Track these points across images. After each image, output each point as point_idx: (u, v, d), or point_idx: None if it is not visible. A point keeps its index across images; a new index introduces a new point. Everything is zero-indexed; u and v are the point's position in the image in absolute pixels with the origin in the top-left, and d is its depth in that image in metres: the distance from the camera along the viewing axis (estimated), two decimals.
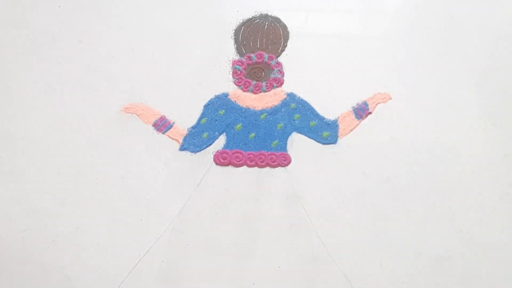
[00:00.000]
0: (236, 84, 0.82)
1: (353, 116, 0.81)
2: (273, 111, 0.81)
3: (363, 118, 0.81)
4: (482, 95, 0.82)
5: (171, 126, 0.80)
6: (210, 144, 0.79)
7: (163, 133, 0.79)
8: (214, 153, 0.78)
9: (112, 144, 0.79)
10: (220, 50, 0.84)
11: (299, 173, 0.77)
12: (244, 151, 0.79)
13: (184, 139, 0.79)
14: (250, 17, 0.85)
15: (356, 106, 0.81)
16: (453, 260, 0.73)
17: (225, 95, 0.82)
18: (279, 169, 0.79)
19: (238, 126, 0.80)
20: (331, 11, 0.88)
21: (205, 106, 0.81)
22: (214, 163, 0.78)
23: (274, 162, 0.78)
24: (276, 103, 0.81)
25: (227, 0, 0.87)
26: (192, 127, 0.80)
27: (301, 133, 0.80)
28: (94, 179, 0.76)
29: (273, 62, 0.83)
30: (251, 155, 0.78)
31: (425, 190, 0.76)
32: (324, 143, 0.79)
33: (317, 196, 0.77)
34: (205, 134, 0.79)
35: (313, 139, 0.79)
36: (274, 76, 0.82)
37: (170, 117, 0.80)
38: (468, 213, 0.75)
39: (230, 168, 0.78)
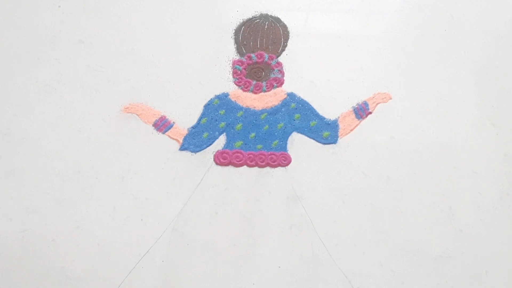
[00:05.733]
0: (236, 84, 0.82)
1: (353, 116, 0.81)
2: (273, 111, 0.81)
3: (363, 118, 0.81)
4: (482, 95, 0.82)
5: (171, 126, 0.80)
6: (210, 144, 0.79)
7: (163, 133, 0.79)
8: (214, 153, 0.78)
9: (112, 144, 0.79)
10: (220, 50, 0.84)
11: (299, 173, 0.77)
12: (244, 151, 0.79)
13: (184, 139, 0.79)
14: (250, 17, 0.85)
15: (356, 106, 0.81)
16: (453, 260, 0.73)
17: (225, 95, 0.82)
18: (279, 169, 0.78)
19: (238, 126, 0.80)
20: (331, 11, 0.88)
21: (205, 106, 0.81)
22: (214, 163, 0.78)
23: (274, 162, 0.78)
24: (276, 103, 0.81)
25: (227, 0, 0.87)
26: (192, 127, 0.80)
27: (301, 133, 0.80)
28: (94, 179, 0.76)
29: (273, 62, 0.83)
30: (251, 155, 0.78)
31: (425, 190, 0.76)
32: (324, 143, 0.79)
33: (317, 196, 0.77)
34: (205, 134, 0.79)
35: (313, 139, 0.79)
36: (274, 76, 0.82)
37: (170, 117, 0.80)
38: (468, 213, 0.75)
39: (230, 168, 0.78)
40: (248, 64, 0.83)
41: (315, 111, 0.81)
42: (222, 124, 0.80)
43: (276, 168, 0.78)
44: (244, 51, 0.84)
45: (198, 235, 0.75)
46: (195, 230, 0.75)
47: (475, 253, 0.73)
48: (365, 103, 0.81)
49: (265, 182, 0.78)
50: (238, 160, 0.78)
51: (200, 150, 0.78)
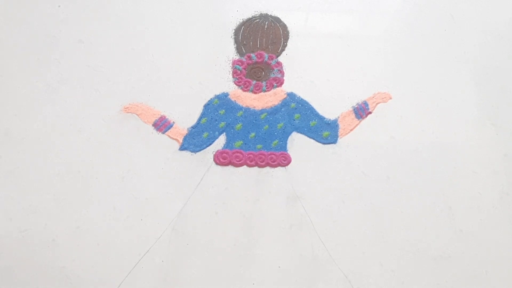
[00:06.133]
0: (236, 84, 0.82)
1: (353, 115, 0.81)
2: (273, 111, 0.81)
3: (363, 118, 0.81)
4: (482, 95, 0.82)
5: (171, 126, 0.80)
6: (210, 144, 0.79)
7: (163, 133, 0.79)
8: (214, 153, 0.78)
9: (112, 144, 0.79)
10: (220, 50, 0.84)
11: (299, 173, 0.77)
12: (244, 151, 0.79)
13: (184, 139, 0.79)
14: (250, 17, 0.85)
15: (356, 106, 0.81)
16: (453, 260, 0.73)
17: (225, 95, 0.82)
18: (279, 169, 0.78)
19: (238, 126, 0.80)
20: (331, 11, 0.88)
21: (205, 106, 0.81)
22: (214, 163, 0.78)
23: (274, 162, 0.78)
24: (276, 103, 0.81)
25: (227, 0, 0.87)
26: (192, 127, 0.80)
27: (301, 132, 0.80)
28: (94, 179, 0.76)
29: (273, 62, 0.83)
30: (251, 155, 0.78)
31: (425, 190, 0.76)
32: (324, 143, 0.79)
33: (317, 196, 0.77)
34: (205, 134, 0.79)
35: (313, 138, 0.79)
36: (274, 76, 0.82)
37: (170, 117, 0.80)
38: (468, 213, 0.75)
39: (230, 168, 0.78)
40: (248, 64, 0.83)
41: (315, 111, 0.81)
42: (222, 124, 0.80)
43: (276, 168, 0.78)
44: (244, 51, 0.84)
45: (198, 235, 0.75)
46: (195, 230, 0.75)
47: (475, 253, 0.73)
48: (365, 103, 0.81)
49: (265, 182, 0.78)
50: (238, 160, 0.78)
51: (200, 150, 0.78)
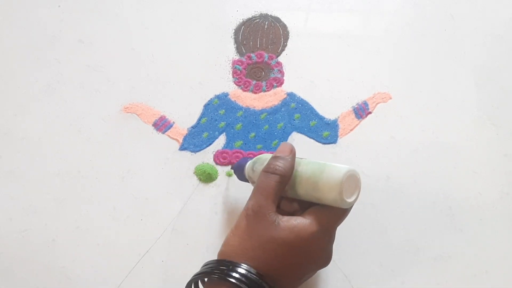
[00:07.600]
0: (236, 84, 0.82)
1: (353, 115, 0.81)
2: (273, 111, 0.81)
3: (363, 118, 0.81)
4: (482, 95, 0.82)
5: (171, 126, 0.80)
6: (210, 144, 0.79)
7: (163, 133, 0.79)
8: (214, 153, 0.78)
9: (112, 144, 0.79)
10: (220, 50, 0.84)
11: None
12: (244, 151, 0.78)
13: (184, 139, 0.79)
14: (250, 16, 0.86)
15: (356, 106, 0.81)
16: (453, 260, 0.72)
17: (225, 95, 0.82)
18: None
19: (238, 126, 0.80)
20: (331, 11, 0.88)
21: (205, 106, 0.81)
22: (214, 163, 0.78)
23: None
24: (276, 103, 0.81)
25: (227, 0, 0.87)
26: (192, 127, 0.80)
27: (301, 133, 0.80)
28: (94, 179, 0.76)
29: (273, 62, 0.83)
30: (251, 155, 0.78)
31: (425, 190, 0.76)
32: (324, 143, 0.79)
33: None
34: (205, 134, 0.79)
35: (313, 139, 0.79)
36: (274, 76, 0.82)
37: (170, 117, 0.80)
38: (468, 213, 0.75)
39: (230, 168, 0.77)
40: (248, 64, 0.83)
41: (315, 111, 0.81)
42: (222, 124, 0.80)
43: None
44: (244, 51, 0.84)
45: (198, 235, 0.75)
46: (195, 230, 0.75)
47: (475, 253, 0.73)
48: (365, 103, 0.81)
49: None
50: (238, 160, 0.78)
51: (200, 150, 0.78)
